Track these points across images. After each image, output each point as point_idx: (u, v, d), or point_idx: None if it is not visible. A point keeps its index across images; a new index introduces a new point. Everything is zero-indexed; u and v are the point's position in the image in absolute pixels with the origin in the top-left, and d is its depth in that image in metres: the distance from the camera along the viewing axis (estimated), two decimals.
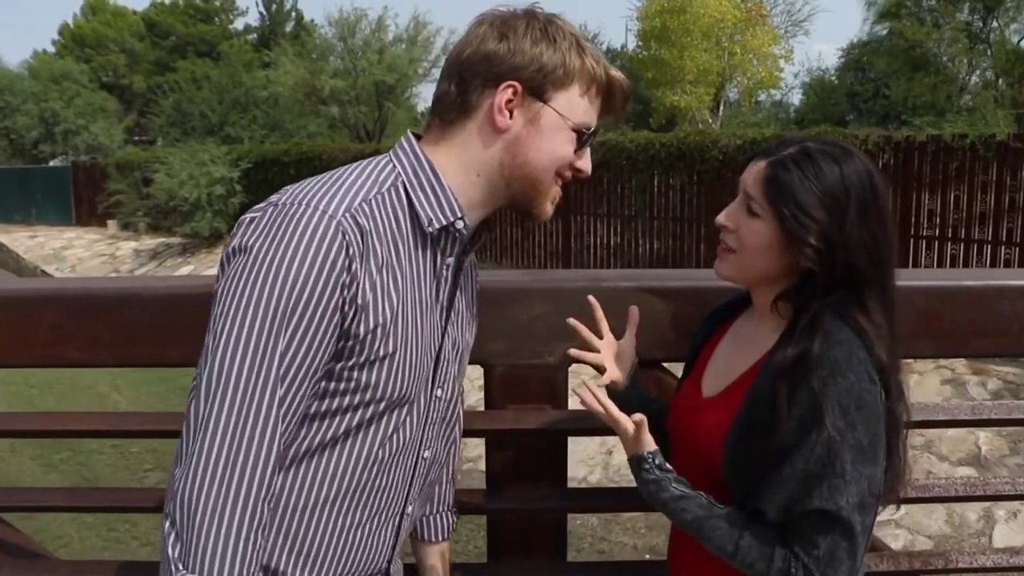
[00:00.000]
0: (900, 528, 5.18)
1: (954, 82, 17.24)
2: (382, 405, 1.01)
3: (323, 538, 1.04)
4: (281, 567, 1.03)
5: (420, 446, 1.10)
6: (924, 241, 8.56)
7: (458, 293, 1.11)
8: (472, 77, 1.02)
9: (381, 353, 0.97)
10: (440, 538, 1.32)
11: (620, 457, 6.63)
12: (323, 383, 0.98)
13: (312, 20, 34.60)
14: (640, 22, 19.55)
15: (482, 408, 1.36)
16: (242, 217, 0.98)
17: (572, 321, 1.22)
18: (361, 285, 0.94)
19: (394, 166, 1.03)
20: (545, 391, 1.31)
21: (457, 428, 1.28)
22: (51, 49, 37.75)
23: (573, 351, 1.22)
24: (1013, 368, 7.09)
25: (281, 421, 0.93)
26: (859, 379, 1.01)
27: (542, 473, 1.36)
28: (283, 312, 0.91)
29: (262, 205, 0.98)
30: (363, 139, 20.30)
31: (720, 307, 1.25)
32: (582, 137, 1.05)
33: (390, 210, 1.00)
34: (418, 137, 1.08)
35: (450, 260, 1.06)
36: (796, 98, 27.36)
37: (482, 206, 1.07)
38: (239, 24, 40.28)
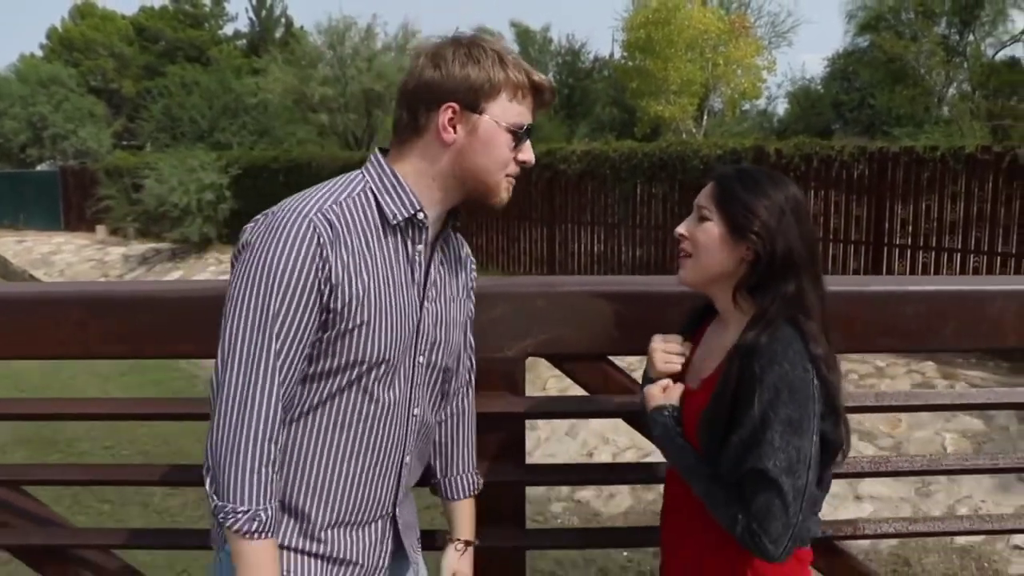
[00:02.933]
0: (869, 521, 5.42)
1: (932, 94, 17.58)
2: (365, 366, 1.22)
3: (335, 482, 1.26)
4: (304, 506, 1.26)
5: (410, 405, 1.30)
6: (897, 249, 8.80)
7: (436, 274, 1.31)
8: (418, 103, 1.24)
9: (357, 321, 1.20)
10: (463, 495, 1.49)
11: (600, 457, 6.83)
12: (314, 349, 1.20)
13: (302, 27, 34.64)
14: (625, 33, 19.80)
15: None
16: (245, 226, 1.22)
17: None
18: (333, 267, 1.17)
19: (363, 176, 1.26)
20: (505, 380, 1.52)
21: (463, 399, 1.46)
22: (38, 52, 37.27)
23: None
24: (980, 372, 7.35)
25: (278, 374, 1.16)
26: (793, 367, 1.20)
27: (504, 451, 1.55)
28: (272, 290, 1.15)
29: (260, 216, 1.21)
30: (352, 146, 20.41)
31: (694, 314, 1.44)
32: (518, 135, 1.25)
33: (359, 209, 1.22)
34: (385, 152, 1.29)
35: (420, 247, 1.27)
36: (782, 108, 27.61)
37: (441, 203, 1.28)
38: (228, 30, 40.06)
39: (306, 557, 1.27)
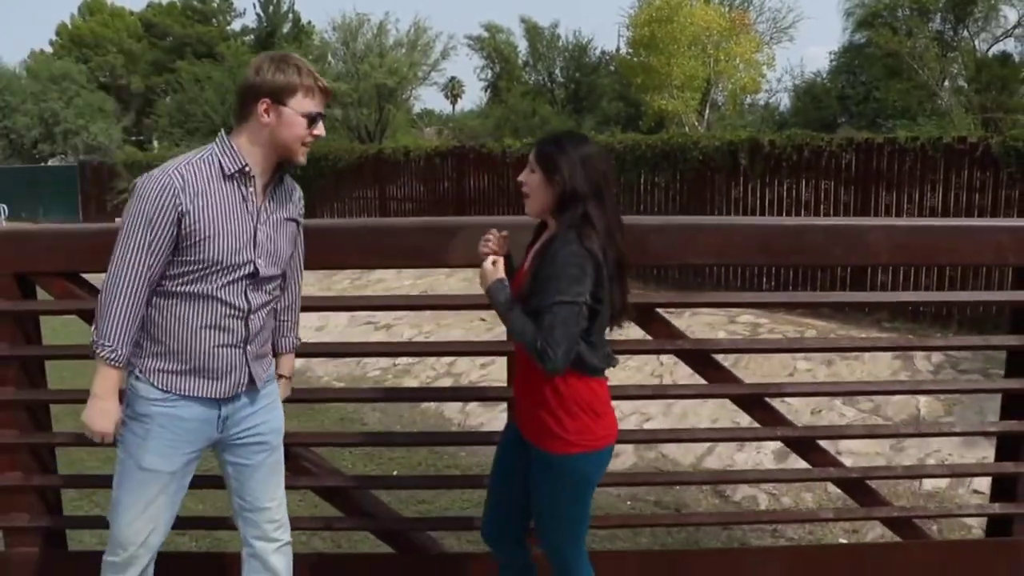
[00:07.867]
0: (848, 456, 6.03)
1: (926, 88, 18.10)
2: (211, 267, 1.87)
3: (197, 351, 1.91)
4: (174, 368, 1.92)
5: (249, 302, 1.92)
6: None
7: (266, 207, 1.93)
8: (244, 98, 1.89)
9: (201, 237, 1.84)
10: (285, 350, 2.17)
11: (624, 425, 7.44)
12: (173, 256, 1.86)
13: (310, 22, 35.04)
14: (630, 29, 20.37)
15: None
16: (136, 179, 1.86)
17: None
18: (183, 204, 1.82)
19: (213, 147, 1.90)
20: None
21: (289, 291, 2.11)
22: (48, 49, 37.67)
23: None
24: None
25: (143, 265, 1.82)
26: (576, 249, 1.86)
27: None
28: (145, 215, 1.82)
29: (145, 173, 1.87)
30: (364, 139, 21.02)
31: (536, 228, 2.10)
32: (310, 118, 1.88)
33: (204, 166, 1.86)
34: (230, 131, 1.93)
35: (251, 189, 1.90)
36: (786, 101, 27.78)
37: (265, 161, 1.91)
38: (236, 25, 40.38)
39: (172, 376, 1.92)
